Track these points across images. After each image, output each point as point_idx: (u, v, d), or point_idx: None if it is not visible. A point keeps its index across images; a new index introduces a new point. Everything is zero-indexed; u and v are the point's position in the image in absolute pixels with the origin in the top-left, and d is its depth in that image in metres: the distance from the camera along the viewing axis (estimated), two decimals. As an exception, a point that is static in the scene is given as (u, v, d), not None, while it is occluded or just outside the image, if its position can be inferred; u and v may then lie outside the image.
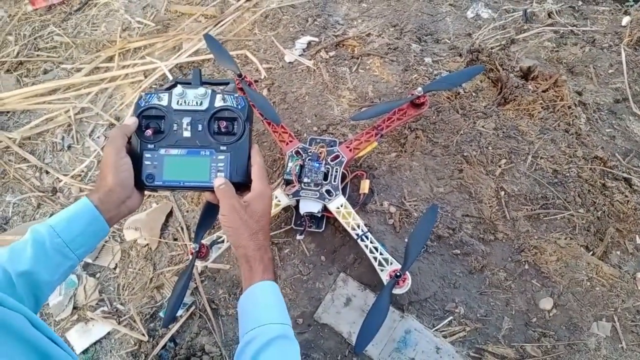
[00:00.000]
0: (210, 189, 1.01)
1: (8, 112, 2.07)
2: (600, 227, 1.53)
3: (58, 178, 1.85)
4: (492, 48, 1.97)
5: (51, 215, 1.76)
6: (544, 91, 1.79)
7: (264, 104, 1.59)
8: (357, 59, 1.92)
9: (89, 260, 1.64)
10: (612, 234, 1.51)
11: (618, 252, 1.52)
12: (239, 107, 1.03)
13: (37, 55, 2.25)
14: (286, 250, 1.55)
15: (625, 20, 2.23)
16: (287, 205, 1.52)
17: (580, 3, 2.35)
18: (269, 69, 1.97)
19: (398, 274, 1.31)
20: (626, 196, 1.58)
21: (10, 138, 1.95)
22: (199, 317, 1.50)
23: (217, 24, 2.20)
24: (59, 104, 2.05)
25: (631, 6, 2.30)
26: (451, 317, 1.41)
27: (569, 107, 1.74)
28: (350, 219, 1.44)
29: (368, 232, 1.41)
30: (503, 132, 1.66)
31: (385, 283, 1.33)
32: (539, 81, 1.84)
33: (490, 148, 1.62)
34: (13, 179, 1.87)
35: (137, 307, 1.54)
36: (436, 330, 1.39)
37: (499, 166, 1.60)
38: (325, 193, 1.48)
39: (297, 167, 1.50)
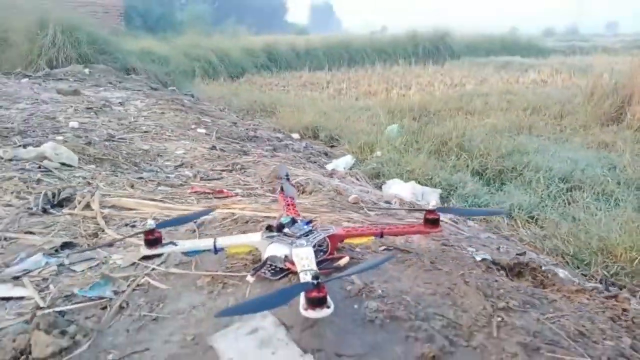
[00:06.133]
0: None
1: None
2: None
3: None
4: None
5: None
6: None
7: (289, 189, 1.74)
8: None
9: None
10: None
11: None
12: None
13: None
14: (230, 288, 1.36)
15: None
16: (254, 248, 1.44)
17: None
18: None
19: (316, 282, 1.07)
20: None
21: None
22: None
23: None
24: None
25: None
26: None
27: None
28: (305, 262, 1.28)
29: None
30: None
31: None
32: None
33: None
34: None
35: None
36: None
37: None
38: (296, 240, 1.39)
39: (289, 219, 1.49)
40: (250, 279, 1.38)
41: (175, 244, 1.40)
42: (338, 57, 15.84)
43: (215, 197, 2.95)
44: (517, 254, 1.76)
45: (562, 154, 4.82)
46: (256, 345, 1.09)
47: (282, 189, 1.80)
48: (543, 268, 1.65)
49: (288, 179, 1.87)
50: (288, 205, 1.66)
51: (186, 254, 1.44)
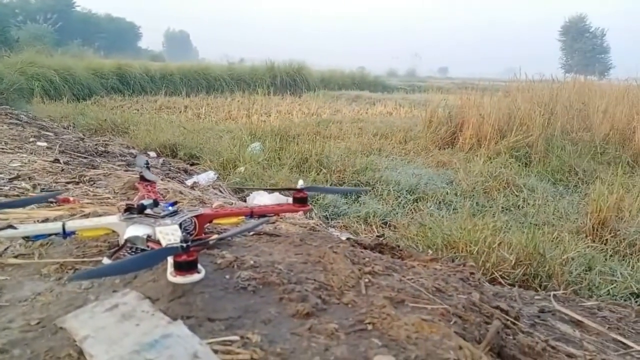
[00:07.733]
0: None
1: None
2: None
3: None
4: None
5: None
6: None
7: (150, 175, 1.63)
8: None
9: None
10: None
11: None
12: None
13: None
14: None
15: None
16: (111, 230, 1.31)
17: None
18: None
19: (185, 245, 1.01)
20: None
21: None
22: None
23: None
24: None
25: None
26: (237, 338, 0.92)
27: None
28: (171, 237, 1.20)
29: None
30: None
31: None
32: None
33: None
34: None
35: None
36: (210, 344, 0.89)
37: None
38: (160, 220, 1.30)
39: (150, 201, 1.38)
40: (106, 261, 1.25)
41: (14, 228, 1.21)
42: (196, 84, 15.58)
43: (59, 205, 2.64)
44: (377, 236, 1.86)
45: (408, 171, 5.29)
46: (117, 319, 0.98)
47: (142, 177, 1.68)
48: (400, 246, 1.77)
49: (148, 167, 1.76)
50: (149, 191, 1.56)
51: (28, 238, 1.26)
